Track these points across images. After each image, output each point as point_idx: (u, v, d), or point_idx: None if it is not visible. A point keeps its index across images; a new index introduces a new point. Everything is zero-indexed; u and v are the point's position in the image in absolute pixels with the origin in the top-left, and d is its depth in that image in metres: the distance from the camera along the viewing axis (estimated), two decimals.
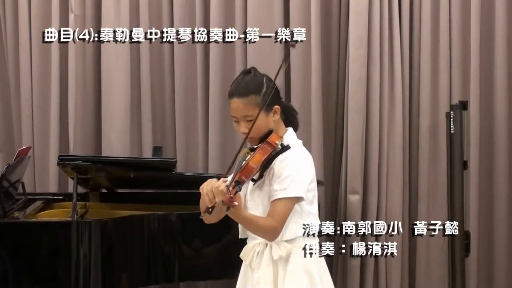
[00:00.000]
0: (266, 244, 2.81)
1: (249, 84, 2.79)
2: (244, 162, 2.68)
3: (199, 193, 4.38)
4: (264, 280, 2.79)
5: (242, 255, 2.90)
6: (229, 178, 2.66)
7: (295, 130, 2.92)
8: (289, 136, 2.85)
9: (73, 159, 4.07)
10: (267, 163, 2.75)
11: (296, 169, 2.75)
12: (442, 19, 4.61)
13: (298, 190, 2.74)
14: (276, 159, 2.75)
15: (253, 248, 2.84)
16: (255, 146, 2.77)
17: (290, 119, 2.92)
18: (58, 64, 4.80)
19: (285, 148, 2.76)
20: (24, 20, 4.82)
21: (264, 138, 2.77)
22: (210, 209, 2.59)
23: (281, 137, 2.80)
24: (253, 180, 2.79)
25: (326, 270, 2.88)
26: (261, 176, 2.79)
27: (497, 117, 4.63)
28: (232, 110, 2.81)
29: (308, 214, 2.80)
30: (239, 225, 2.89)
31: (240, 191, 2.60)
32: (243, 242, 2.93)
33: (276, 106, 2.82)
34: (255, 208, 2.80)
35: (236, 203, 2.56)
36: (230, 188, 2.56)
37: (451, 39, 4.64)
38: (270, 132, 2.78)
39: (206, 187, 2.61)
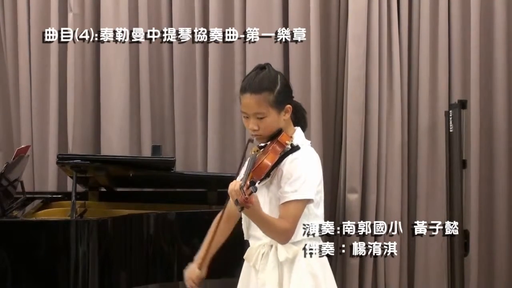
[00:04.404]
0: (271, 246, 2.77)
1: (263, 80, 2.74)
2: (255, 161, 2.64)
3: (199, 191, 4.44)
4: (269, 282, 2.75)
5: (246, 256, 2.86)
6: (238, 177, 2.63)
7: (303, 130, 2.87)
8: (298, 136, 2.81)
9: (72, 158, 4.07)
10: (276, 162, 2.68)
11: (307, 171, 2.71)
12: (441, 18, 4.61)
13: (309, 192, 2.70)
14: (285, 159, 2.69)
15: (258, 249, 2.80)
16: (263, 144, 2.73)
17: (299, 118, 2.87)
18: (57, 63, 4.79)
19: (294, 148, 2.69)
20: (23, 18, 4.81)
21: (273, 136, 2.73)
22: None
23: (291, 136, 2.76)
24: None
25: (330, 272, 2.85)
26: (267, 175, 2.71)
27: (497, 116, 4.63)
28: (244, 106, 2.75)
29: (315, 217, 2.77)
30: (243, 227, 2.86)
31: (255, 191, 2.52)
32: (242, 241, 2.90)
33: (288, 105, 2.78)
34: (262, 207, 2.74)
35: (250, 204, 2.51)
36: (245, 189, 2.50)
37: (450, 38, 4.63)
38: (279, 131, 2.73)
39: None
